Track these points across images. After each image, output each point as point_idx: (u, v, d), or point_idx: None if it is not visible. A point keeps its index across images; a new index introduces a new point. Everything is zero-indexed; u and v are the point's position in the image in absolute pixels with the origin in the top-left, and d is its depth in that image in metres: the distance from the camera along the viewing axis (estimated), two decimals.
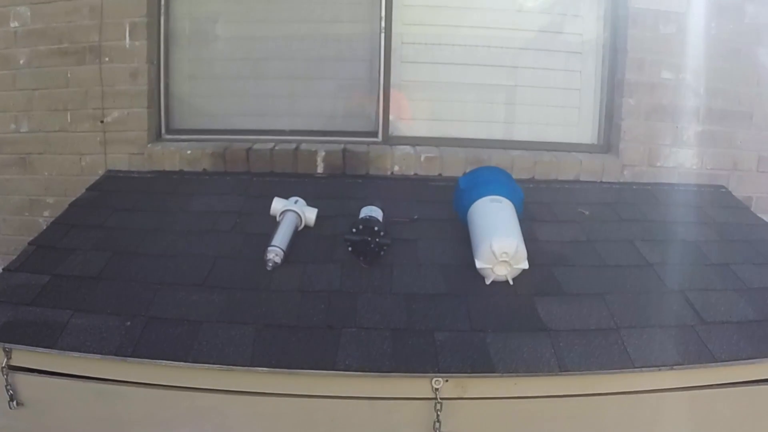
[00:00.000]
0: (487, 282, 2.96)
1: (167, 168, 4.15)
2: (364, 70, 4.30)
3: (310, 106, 4.35)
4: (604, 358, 2.57)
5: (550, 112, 4.39)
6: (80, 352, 2.56)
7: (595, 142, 4.38)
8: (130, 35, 4.11)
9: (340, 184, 3.99)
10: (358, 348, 2.59)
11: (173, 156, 4.14)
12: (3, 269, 3.13)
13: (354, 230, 3.09)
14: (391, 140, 4.29)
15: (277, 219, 3.34)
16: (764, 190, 4.34)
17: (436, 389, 2.51)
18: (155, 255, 3.20)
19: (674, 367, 2.56)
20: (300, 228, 3.37)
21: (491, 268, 2.92)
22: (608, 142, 4.33)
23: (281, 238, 3.15)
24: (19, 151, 4.31)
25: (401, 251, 3.22)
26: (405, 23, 4.24)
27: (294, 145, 4.16)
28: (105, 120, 4.17)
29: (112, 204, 3.71)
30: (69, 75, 4.18)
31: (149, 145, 4.19)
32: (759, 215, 3.95)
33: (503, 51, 4.30)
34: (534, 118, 4.40)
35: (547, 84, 4.35)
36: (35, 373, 2.64)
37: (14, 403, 2.63)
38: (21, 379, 2.64)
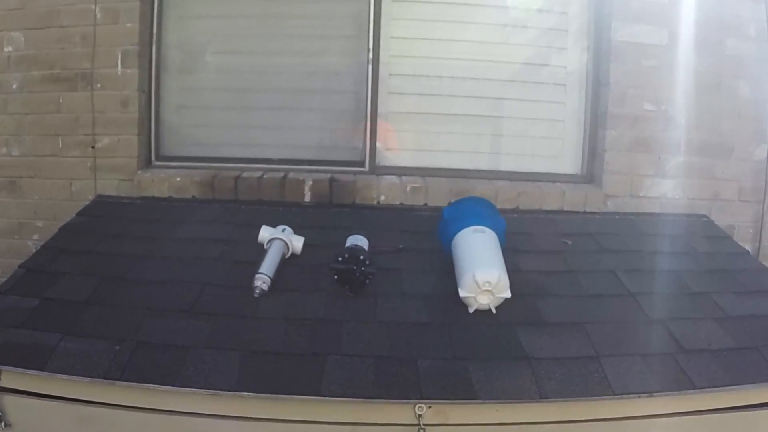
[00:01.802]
0: (470, 311, 2.99)
1: (156, 194, 4.17)
2: (352, 101, 4.35)
3: (298, 136, 4.39)
4: (585, 385, 2.60)
5: (535, 143, 4.44)
6: (69, 375, 2.56)
7: (579, 173, 4.43)
8: (121, 63, 4.15)
9: (326, 213, 4.02)
10: (343, 375, 2.61)
11: (162, 183, 4.17)
12: None
13: (340, 259, 3.11)
14: (377, 170, 4.33)
15: (265, 247, 3.36)
16: (746, 219, 4.40)
17: (419, 415, 2.52)
18: (143, 281, 3.21)
19: (654, 394, 2.58)
20: (287, 256, 3.39)
21: (474, 297, 2.95)
22: (591, 172, 4.38)
23: (268, 266, 3.17)
24: (9, 174, 4.33)
25: (386, 280, 3.24)
26: (392, 55, 4.29)
27: (282, 174, 4.19)
28: (95, 146, 4.20)
29: (102, 229, 3.72)
30: (61, 101, 4.22)
31: (139, 172, 4.21)
32: (741, 244, 4.01)
33: (489, 83, 4.35)
34: (518, 149, 4.44)
35: (531, 115, 4.41)
36: (24, 395, 2.63)
37: (2, 424, 2.63)
38: (10, 400, 2.63)
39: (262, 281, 3.08)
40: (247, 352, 2.72)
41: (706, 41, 4.23)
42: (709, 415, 2.67)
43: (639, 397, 2.59)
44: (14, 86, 4.27)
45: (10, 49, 4.25)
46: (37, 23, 4.19)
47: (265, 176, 4.17)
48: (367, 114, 4.29)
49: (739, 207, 4.40)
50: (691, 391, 2.61)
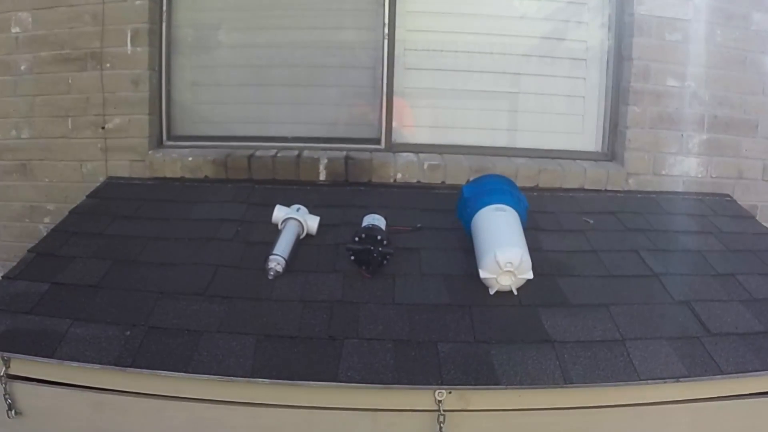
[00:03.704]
0: (491, 292, 2.93)
1: (168, 175, 4.13)
2: (367, 77, 4.29)
3: (313, 113, 4.34)
4: (610, 370, 2.54)
5: (554, 120, 4.39)
6: (79, 361, 2.53)
7: (600, 150, 4.37)
8: (131, 42, 4.10)
9: (342, 191, 3.97)
10: (360, 359, 2.56)
11: (174, 163, 4.12)
12: (2, 277, 3.10)
13: (356, 239, 3.07)
14: (394, 148, 4.27)
15: (279, 227, 3.32)
16: None
17: (439, 401, 2.48)
18: (156, 264, 3.17)
19: (680, 379, 2.53)
20: (302, 236, 3.35)
21: (495, 278, 2.89)
22: (613, 150, 4.31)
23: (283, 247, 3.12)
24: (19, 157, 4.30)
25: (404, 261, 3.19)
26: (408, 30, 4.22)
27: (296, 153, 4.14)
28: (106, 126, 4.16)
29: (113, 211, 3.68)
30: (70, 81, 4.17)
31: (150, 152, 4.17)
32: (765, 224, 3.93)
33: (507, 58, 4.29)
34: (538, 125, 4.38)
35: (551, 91, 4.35)
36: (34, 383, 2.61)
37: (13, 412, 2.60)
38: (19, 388, 2.61)
39: (276, 263, 3.03)
40: (261, 336, 2.68)
41: (732, 15, 4.15)
42: (736, 401, 2.62)
43: (665, 382, 2.54)
44: (23, 67, 4.22)
45: (18, 29, 4.20)
46: (45, 3, 4.13)
47: (279, 155, 4.12)
48: (383, 90, 4.22)
49: (764, 186, 4.33)
50: (719, 376, 2.56)
